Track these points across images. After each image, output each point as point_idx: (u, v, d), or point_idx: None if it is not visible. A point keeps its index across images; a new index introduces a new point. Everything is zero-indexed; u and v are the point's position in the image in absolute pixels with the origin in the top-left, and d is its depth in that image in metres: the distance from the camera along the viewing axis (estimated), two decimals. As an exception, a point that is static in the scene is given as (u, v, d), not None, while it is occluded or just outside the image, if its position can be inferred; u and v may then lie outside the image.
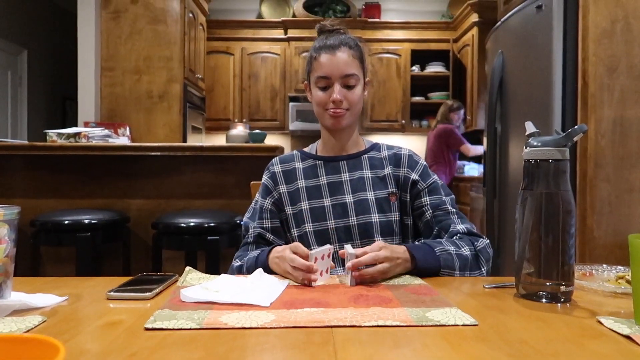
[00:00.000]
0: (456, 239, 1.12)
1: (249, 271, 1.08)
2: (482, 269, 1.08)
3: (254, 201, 1.30)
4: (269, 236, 1.23)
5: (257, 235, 1.23)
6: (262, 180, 1.31)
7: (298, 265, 0.92)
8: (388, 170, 1.24)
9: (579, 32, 2.03)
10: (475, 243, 1.10)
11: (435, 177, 1.25)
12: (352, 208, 1.19)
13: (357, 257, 0.92)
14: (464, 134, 4.78)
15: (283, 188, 1.26)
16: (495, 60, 2.65)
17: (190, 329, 0.66)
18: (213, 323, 0.68)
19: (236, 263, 1.17)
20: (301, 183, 1.25)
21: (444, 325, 0.67)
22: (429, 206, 1.19)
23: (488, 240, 1.13)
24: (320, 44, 1.21)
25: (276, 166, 1.30)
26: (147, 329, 0.66)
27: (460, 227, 1.15)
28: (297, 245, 0.98)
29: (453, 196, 1.23)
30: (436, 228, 1.17)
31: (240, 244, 1.26)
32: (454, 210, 1.19)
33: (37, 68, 5.60)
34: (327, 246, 0.97)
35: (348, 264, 0.91)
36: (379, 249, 0.94)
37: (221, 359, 0.55)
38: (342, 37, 1.21)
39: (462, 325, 0.67)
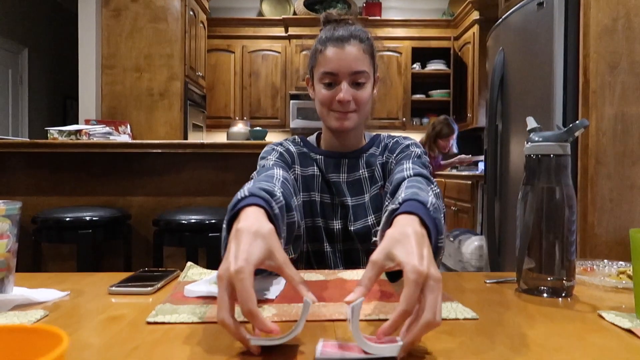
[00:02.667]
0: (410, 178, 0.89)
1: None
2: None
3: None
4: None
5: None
6: (275, 151, 1.12)
7: (220, 322, 0.55)
8: (377, 162, 1.16)
9: (580, 29, 2.03)
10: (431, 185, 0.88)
11: (416, 149, 1.11)
12: (351, 212, 1.13)
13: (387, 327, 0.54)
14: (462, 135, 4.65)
15: (298, 169, 1.14)
16: (496, 58, 2.65)
17: (192, 322, 0.66)
18: (215, 317, 0.67)
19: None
20: (316, 171, 1.15)
21: (445, 319, 0.67)
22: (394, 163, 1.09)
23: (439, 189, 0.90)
24: (327, 35, 1.08)
25: (290, 146, 1.16)
26: (149, 323, 0.66)
27: (408, 165, 0.98)
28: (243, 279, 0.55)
29: (425, 158, 1.08)
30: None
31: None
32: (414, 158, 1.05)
33: (38, 66, 5.61)
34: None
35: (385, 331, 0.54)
36: (414, 292, 0.53)
37: (223, 353, 0.55)
38: (352, 29, 1.08)
39: (463, 319, 0.67)
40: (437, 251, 0.67)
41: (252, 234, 0.60)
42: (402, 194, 0.74)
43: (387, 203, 0.92)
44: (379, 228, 0.72)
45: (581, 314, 0.71)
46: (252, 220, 0.63)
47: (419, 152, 1.08)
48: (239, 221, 0.64)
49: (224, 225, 0.72)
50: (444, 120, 3.92)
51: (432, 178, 0.93)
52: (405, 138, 1.17)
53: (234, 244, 0.59)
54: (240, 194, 0.73)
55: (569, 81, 2.08)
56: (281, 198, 0.77)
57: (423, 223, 0.64)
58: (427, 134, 3.91)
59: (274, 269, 0.60)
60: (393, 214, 0.67)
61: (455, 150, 4.02)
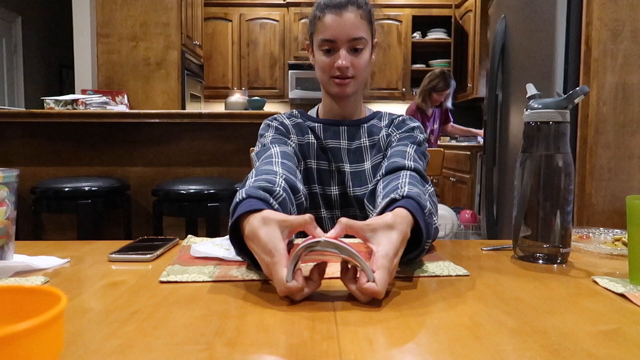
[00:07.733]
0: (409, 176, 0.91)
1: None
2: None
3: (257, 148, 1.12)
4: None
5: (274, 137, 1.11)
6: (270, 127, 1.16)
7: (275, 279, 0.61)
8: (382, 133, 1.18)
9: (584, -5, 1.98)
10: (427, 185, 0.93)
11: (420, 135, 1.14)
12: (349, 178, 1.15)
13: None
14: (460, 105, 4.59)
15: (295, 139, 1.17)
16: (498, 26, 2.60)
17: (202, 282, 0.69)
18: (224, 276, 0.71)
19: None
20: (311, 138, 1.18)
21: (438, 277, 0.69)
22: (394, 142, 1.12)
23: (433, 188, 0.96)
24: (325, 1, 1.11)
25: (284, 119, 1.20)
26: (162, 282, 0.69)
27: (410, 150, 1.03)
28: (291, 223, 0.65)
29: (424, 145, 1.13)
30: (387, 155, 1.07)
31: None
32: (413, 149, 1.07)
33: (33, 35, 5.51)
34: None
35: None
36: (387, 257, 0.62)
37: (221, 316, 0.56)
38: None
39: (456, 275, 0.70)
40: (421, 252, 0.76)
41: (261, 226, 0.64)
42: (405, 188, 0.80)
43: (379, 177, 0.99)
44: (376, 210, 0.77)
45: (575, 279, 0.72)
46: (255, 221, 0.66)
47: (421, 139, 1.12)
48: (244, 231, 0.68)
49: (229, 225, 0.74)
50: (440, 74, 3.75)
51: (427, 177, 0.98)
52: (410, 119, 1.20)
53: (254, 245, 0.65)
54: (238, 196, 0.75)
55: (571, 49, 2.05)
56: (281, 192, 0.80)
57: (417, 226, 0.71)
58: (422, 87, 3.77)
59: (293, 230, 0.65)
60: (394, 204, 0.73)
61: (449, 105, 3.90)
